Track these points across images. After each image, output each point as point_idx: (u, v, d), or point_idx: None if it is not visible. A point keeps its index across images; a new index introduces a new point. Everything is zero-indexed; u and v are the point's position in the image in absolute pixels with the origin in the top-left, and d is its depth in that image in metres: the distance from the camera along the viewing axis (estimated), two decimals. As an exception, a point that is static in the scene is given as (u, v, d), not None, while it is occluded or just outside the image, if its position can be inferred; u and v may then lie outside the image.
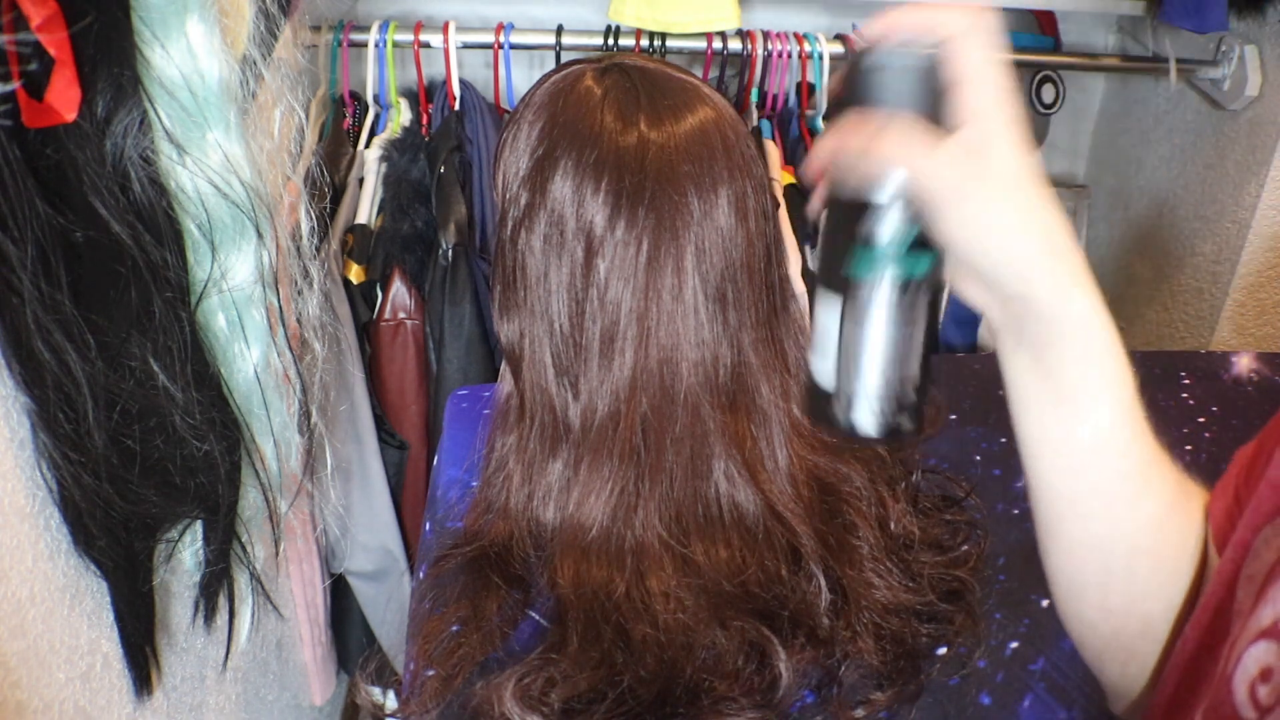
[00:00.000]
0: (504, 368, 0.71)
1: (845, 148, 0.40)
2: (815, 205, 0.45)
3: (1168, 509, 0.45)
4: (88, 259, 0.52)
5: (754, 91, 1.32)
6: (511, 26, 1.25)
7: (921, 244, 0.41)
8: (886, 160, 0.39)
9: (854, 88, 0.41)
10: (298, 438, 0.76)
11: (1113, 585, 0.46)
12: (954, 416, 0.88)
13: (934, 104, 0.40)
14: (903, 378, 0.42)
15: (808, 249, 1.26)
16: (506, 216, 0.65)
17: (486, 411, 0.89)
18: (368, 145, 1.25)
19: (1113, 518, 0.44)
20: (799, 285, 1.16)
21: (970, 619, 0.67)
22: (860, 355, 0.42)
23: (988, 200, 0.39)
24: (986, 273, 0.40)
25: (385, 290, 1.16)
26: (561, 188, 0.61)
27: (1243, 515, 0.44)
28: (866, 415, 0.42)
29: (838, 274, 0.42)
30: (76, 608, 0.61)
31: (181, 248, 0.58)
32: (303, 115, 0.70)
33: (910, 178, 0.39)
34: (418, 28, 1.24)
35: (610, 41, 1.27)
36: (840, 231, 0.42)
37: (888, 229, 0.40)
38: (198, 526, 0.68)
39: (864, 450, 0.72)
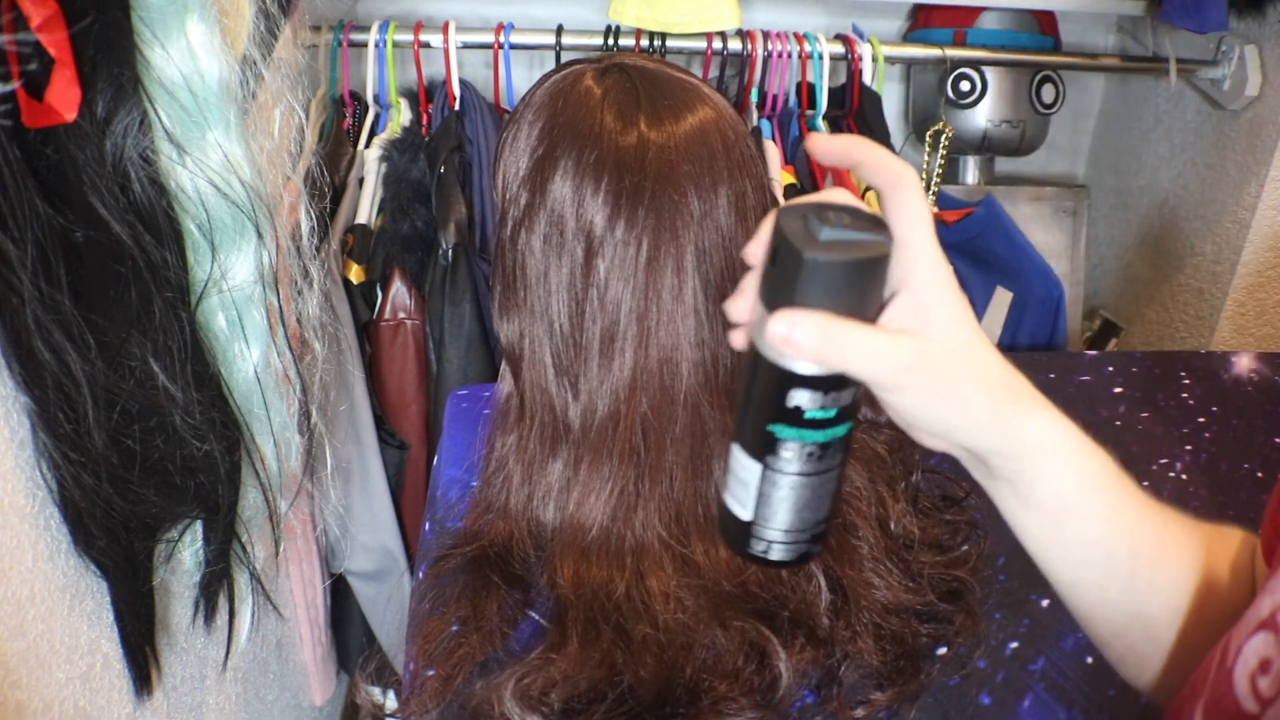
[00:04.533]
0: (504, 368, 0.71)
1: (783, 342, 0.37)
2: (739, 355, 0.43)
3: (1191, 566, 0.46)
4: (88, 259, 0.52)
5: (754, 91, 1.32)
6: (511, 26, 1.25)
7: (843, 415, 0.40)
8: (819, 354, 0.37)
9: (789, 275, 0.37)
10: (298, 438, 0.76)
11: (1148, 650, 0.47)
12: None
13: (871, 281, 0.38)
14: (815, 520, 0.43)
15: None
16: (506, 216, 0.65)
17: (486, 411, 0.89)
18: (368, 145, 1.25)
19: (1134, 593, 0.45)
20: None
21: (970, 619, 0.67)
22: (776, 506, 0.42)
23: (928, 385, 0.38)
24: (938, 436, 0.41)
25: (385, 290, 1.16)
26: (561, 188, 0.61)
27: None
28: (779, 551, 0.43)
29: (759, 430, 0.41)
30: (76, 608, 0.61)
31: (181, 248, 0.58)
32: (303, 115, 0.70)
33: (848, 368, 0.37)
34: (418, 28, 1.24)
35: (610, 41, 1.27)
36: (764, 392, 0.40)
37: (811, 398, 0.39)
38: (198, 526, 0.68)
39: (864, 450, 0.72)
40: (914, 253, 0.38)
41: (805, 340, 0.36)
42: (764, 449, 0.41)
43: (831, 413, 0.39)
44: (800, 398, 0.39)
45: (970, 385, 0.39)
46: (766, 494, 0.42)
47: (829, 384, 0.39)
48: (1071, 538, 0.44)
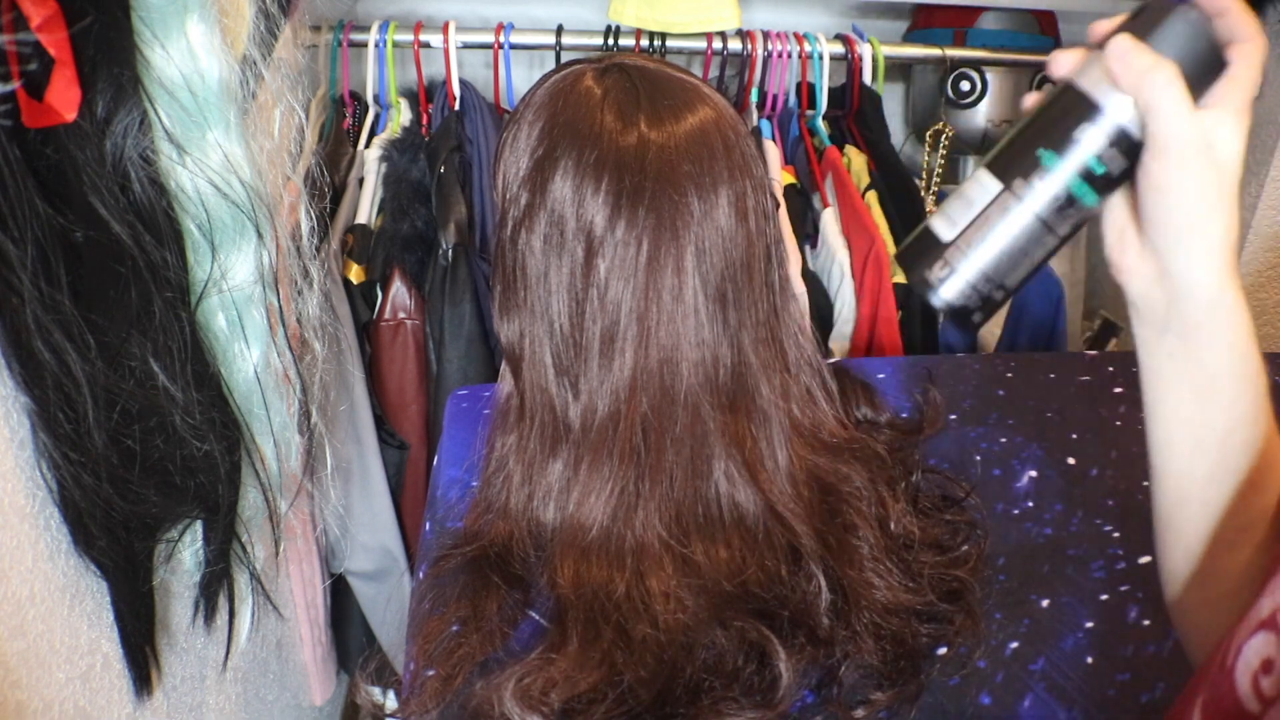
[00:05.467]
0: (504, 368, 0.71)
1: (1121, 54, 0.42)
2: (1034, 99, 0.46)
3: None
4: (88, 259, 0.52)
5: (754, 91, 1.32)
6: (511, 26, 1.25)
7: (1104, 182, 0.43)
8: (1146, 84, 0.42)
9: (1153, 20, 0.42)
10: (298, 438, 0.76)
11: (1218, 578, 0.48)
12: (954, 416, 0.88)
13: (1203, 75, 0.42)
14: (1004, 278, 0.44)
15: (808, 249, 1.26)
16: (506, 216, 0.65)
17: (486, 411, 0.89)
18: (368, 145, 1.25)
19: (1233, 508, 0.46)
20: (799, 285, 1.16)
21: (970, 619, 0.67)
22: (986, 233, 0.44)
23: (1201, 165, 0.42)
24: (1162, 233, 0.43)
25: (385, 290, 1.16)
26: (561, 188, 0.61)
27: None
28: (953, 285, 0.44)
29: (1027, 152, 0.43)
30: (76, 608, 0.61)
31: (181, 248, 0.58)
32: (303, 115, 0.70)
33: (1156, 110, 0.41)
34: (418, 28, 1.25)
35: (610, 41, 1.27)
36: (1057, 119, 0.43)
37: (1095, 140, 0.42)
38: (198, 526, 0.68)
39: (864, 450, 0.72)
40: (1237, 86, 0.43)
41: (1142, 58, 0.41)
42: (1018, 171, 0.43)
43: (1100, 169, 0.42)
44: (1088, 134, 0.42)
45: (1220, 203, 0.42)
46: (988, 216, 0.43)
47: (1118, 142, 0.42)
48: (1208, 420, 0.45)
